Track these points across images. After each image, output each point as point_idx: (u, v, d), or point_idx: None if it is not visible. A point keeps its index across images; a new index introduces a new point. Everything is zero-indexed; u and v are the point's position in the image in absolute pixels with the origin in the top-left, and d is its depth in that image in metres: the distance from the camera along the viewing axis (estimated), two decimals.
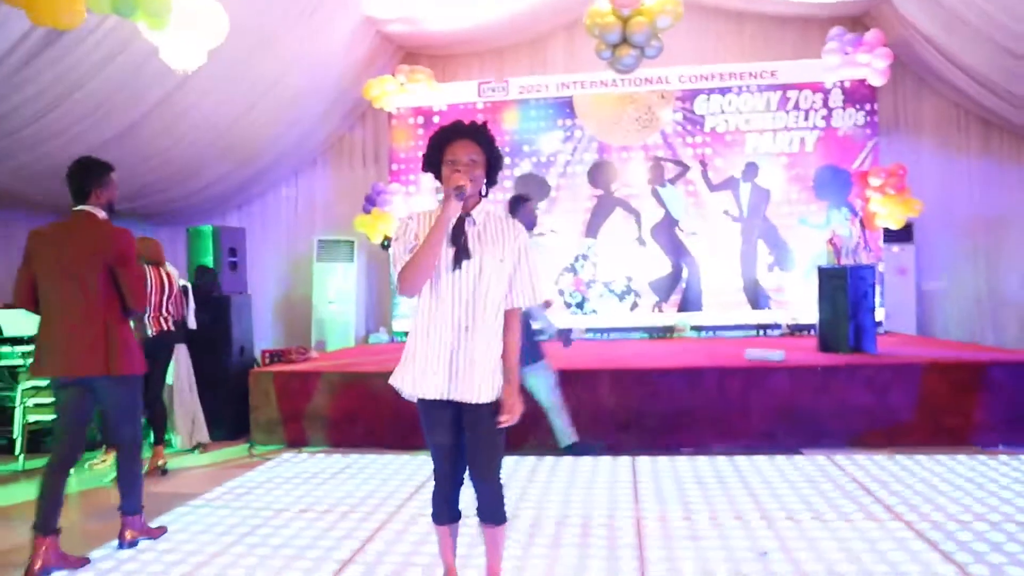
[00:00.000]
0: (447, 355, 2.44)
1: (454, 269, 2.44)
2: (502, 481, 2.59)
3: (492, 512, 2.57)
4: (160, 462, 5.10)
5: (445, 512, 2.64)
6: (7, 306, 7.27)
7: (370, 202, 8.65)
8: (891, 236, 8.01)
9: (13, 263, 7.89)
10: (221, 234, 6.35)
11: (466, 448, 2.55)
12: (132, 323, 3.62)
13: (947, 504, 3.85)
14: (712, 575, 3.05)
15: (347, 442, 5.69)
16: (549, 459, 5.03)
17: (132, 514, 3.57)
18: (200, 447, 5.76)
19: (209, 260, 6.27)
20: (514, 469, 4.80)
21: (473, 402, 2.45)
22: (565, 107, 8.62)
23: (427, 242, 2.39)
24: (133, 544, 3.55)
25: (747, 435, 5.30)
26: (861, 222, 7.39)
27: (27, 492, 4.72)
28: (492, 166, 2.54)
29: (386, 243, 8.72)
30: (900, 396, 5.27)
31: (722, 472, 4.61)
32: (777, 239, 8.20)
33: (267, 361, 6.66)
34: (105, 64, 5.78)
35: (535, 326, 4.76)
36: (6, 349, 5.85)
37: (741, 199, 8.25)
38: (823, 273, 6.16)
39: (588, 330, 8.48)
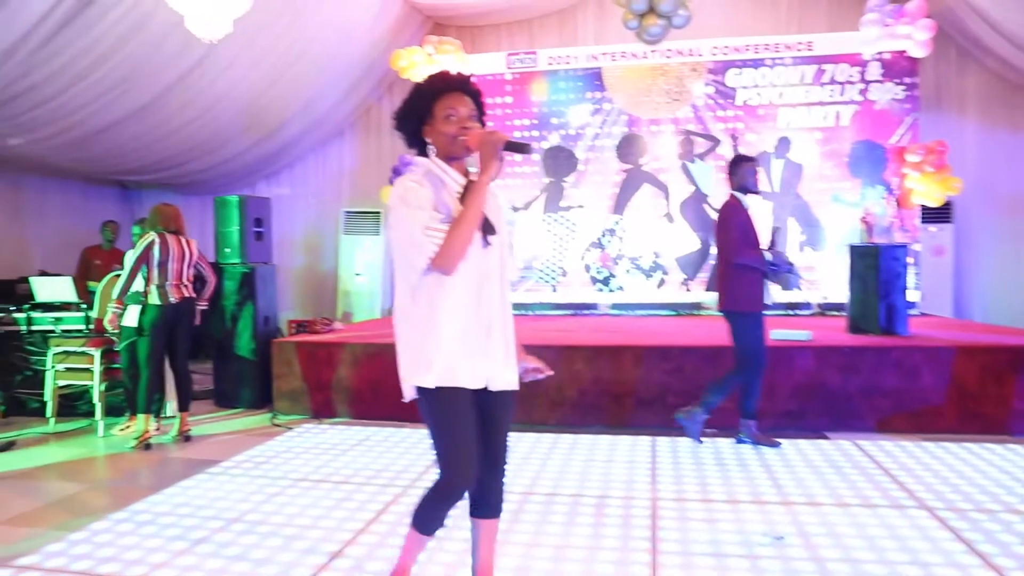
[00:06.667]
0: (483, 341, 2.17)
1: (485, 245, 2.18)
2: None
3: (499, 503, 2.36)
4: (185, 428, 5.18)
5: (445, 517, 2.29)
6: (43, 273, 7.46)
7: (396, 173, 8.62)
8: (929, 215, 7.76)
9: (47, 228, 8.12)
10: (247, 204, 6.36)
11: (485, 440, 2.25)
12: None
13: (974, 493, 3.74)
14: (724, 558, 3.00)
15: (370, 414, 5.71)
16: (568, 436, 5.01)
17: (749, 418, 4.67)
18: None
19: (235, 230, 6.29)
20: (534, 445, 4.79)
21: (510, 389, 2.26)
22: (594, 79, 8.46)
23: (472, 211, 2.09)
24: (742, 441, 4.73)
25: (771, 415, 5.21)
26: (897, 200, 7.19)
27: (57, 454, 4.86)
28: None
29: None
30: (931, 380, 5.12)
31: (743, 454, 4.54)
32: (809, 216, 8.01)
33: (294, 331, 6.73)
34: (128, 38, 5.79)
35: None
36: (38, 314, 5.96)
37: (773, 175, 8.05)
38: (854, 252, 6.00)
39: (614, 306, 8.40)
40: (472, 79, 2.27)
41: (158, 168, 8.27)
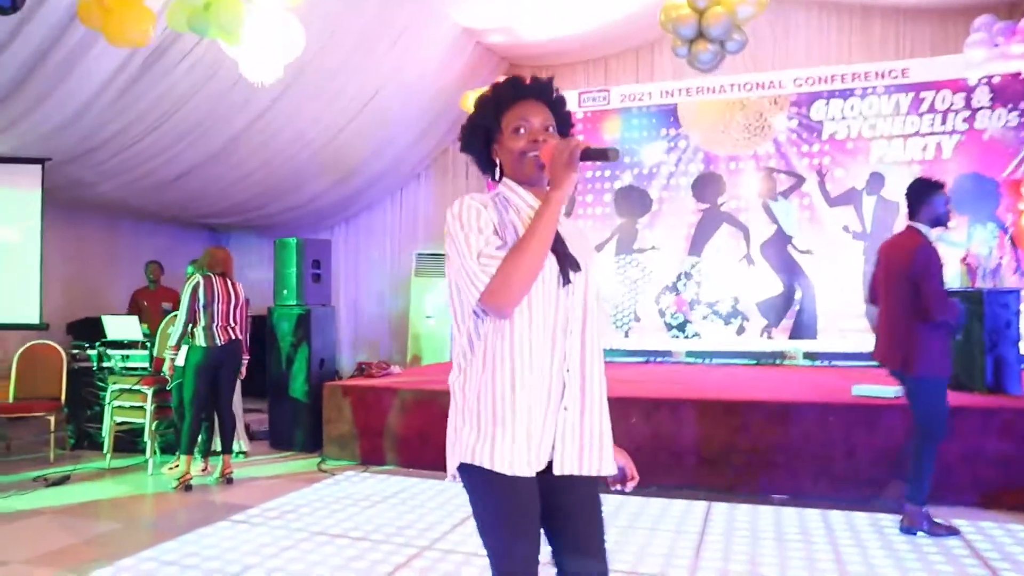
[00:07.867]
0: (553, 408, 1.65)
1: (564, 284, 1.66)
2: None
3: None
4: (227, 471, 5.13)
5: None
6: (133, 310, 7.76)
7: None
8: None
9: (140, 268, 8.48)
10: (305, 246, 6.37)
11: (571, 534, 1.70)
12: None
13: None
14: None
15: (418, 462, 5.48)
16: (615, 498, 4.59)
17: (916, 504, 3.86)
18: (243, 454, 5.96)
19: (292, 272, 6.30)
20: None
21: (600, 474, 1.70)
22: (669, 115, 8.11)
23: (537, 236, 1.57)
24: (911, 532, 3.83)
25: (851, 482, 4.60)
26: (1012, 239, 6.41)
27: (107, 490, 4.90)
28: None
29: None
30: None
31: (810, 528, 3.99)
32: None
33: (360, 372, 6.69)
34: (198, 88, 5.96)
35: None
36: (107, 351, 6.14)
37: (864, 214, 7.39)
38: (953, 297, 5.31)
39: (689, 354, 7.89)
40: (554, 84, 1.78)
41: (236, 211, 8.51)
